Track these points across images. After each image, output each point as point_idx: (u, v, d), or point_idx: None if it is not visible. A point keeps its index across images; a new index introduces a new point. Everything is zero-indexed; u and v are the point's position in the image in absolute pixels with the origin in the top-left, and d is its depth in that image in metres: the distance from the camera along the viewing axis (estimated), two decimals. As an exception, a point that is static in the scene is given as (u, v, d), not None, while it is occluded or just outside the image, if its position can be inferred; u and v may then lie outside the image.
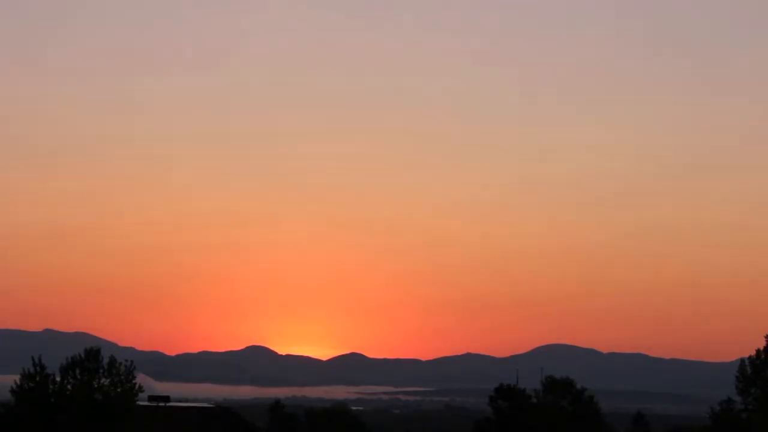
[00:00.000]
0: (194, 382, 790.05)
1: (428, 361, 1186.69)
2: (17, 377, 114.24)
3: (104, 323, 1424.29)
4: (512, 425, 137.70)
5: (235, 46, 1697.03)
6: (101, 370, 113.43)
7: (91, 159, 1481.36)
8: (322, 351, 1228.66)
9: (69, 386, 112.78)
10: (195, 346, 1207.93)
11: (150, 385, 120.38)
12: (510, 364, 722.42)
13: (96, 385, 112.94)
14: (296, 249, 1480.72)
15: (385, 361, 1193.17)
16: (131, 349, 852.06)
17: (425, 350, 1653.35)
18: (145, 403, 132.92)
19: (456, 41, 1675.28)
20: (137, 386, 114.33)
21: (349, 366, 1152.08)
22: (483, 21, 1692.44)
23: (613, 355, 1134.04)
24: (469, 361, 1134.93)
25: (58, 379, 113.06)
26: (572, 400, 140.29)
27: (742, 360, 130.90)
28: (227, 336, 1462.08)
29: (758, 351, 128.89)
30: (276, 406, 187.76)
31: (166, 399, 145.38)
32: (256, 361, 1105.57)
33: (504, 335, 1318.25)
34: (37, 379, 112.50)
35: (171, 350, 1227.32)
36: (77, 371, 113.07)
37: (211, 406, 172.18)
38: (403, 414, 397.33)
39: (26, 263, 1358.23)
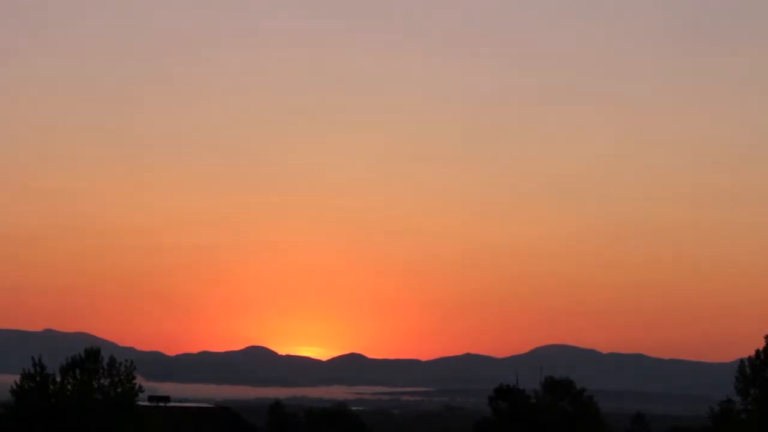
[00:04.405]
0: (194, 382, 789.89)
1: (428, 361, 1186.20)
2: (17, 377, 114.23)
3: (104, 323, 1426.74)
4: (512, 426, 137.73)
5: (234, 45, 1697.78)
6: (101, 370, 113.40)
7: (90, 159, 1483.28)
8: (322, 351, 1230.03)
9: (69, 386, 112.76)
10: (195, 346, 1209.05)
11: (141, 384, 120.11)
12: (510, 364, 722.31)
13: (96, 385, 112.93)
14: (296, 249, 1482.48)
15: (385, 361, 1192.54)
16: (131, 349, 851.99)
17: (425, 350, 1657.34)
18: (145, 403, 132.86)
19: (453, 38, 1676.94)
20: (137, 386, 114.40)
21: (349, 366, 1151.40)
22: (476, 18, 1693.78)
23: (613, 356, 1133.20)
24: (469, 362, 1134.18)
25: (58, 379, 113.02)
26: (572, 401, 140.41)
27: (742, 360, 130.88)
28: (227, 336, 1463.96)
29: (758, 351, 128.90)
30: (276, 406, 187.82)
31: (166, 399, 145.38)
32: (256, 362, 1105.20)
33: (504, 335, 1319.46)
34: (37, 379, 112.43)
35: (171, 350, 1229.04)
36: (77, 371, 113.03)
37: (211, 406, 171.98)
38: (403, 414, 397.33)
39: (26, 263, 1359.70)
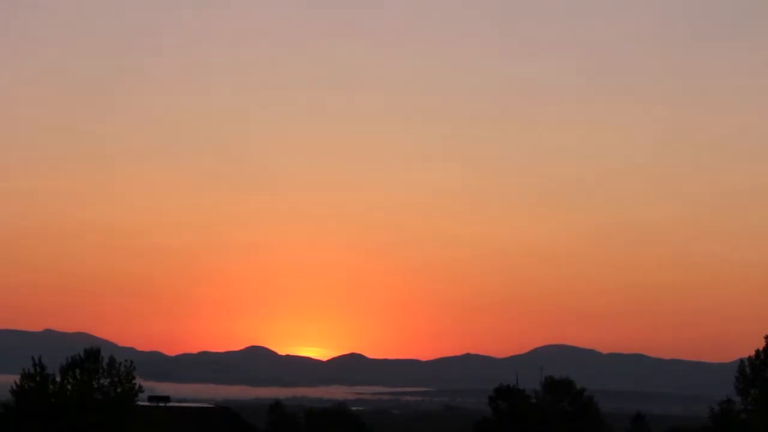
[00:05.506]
0: (194, 382, 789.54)
1: (428, 362, 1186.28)
2: (17, 377, 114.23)
3: (104, 323, 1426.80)
4: (512, 426, 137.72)
5: (232, 45, 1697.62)
6: (101, 370, 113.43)
7: (91, 159, 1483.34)
8: (322, 351, 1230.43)
9: (69, 386, 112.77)
10: (195, 347, 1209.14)
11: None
12: (510, 364, 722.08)
13: (96, 385, 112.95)
14: (296, 249, 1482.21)
15: (385, 361, 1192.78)
16: (131, 349, 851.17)
17: (425, 350, 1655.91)
18: (145, 403, 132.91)
19: (458, 34, 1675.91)
20: (137, 386, 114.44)
21: (349, 366, 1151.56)
22: (489, 12, 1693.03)
23: (613, 356, 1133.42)
24: (468, 362, 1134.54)
25: (58, 379, 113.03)
26: (572, 401, 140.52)
27: (742, 360, 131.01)
28: (227, 336, 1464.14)
29: (758, 352, 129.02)
30: (276, 406, 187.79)
31: (166, 399, 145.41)
32: (256, 362, 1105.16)
33: (504, 335, 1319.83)
34: (37, 379, 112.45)
35: (171, 350, 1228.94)
36: (77, 371, 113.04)
37: (211, 406, 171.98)
38: (403, 414, 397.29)
39: (26, 263, 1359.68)
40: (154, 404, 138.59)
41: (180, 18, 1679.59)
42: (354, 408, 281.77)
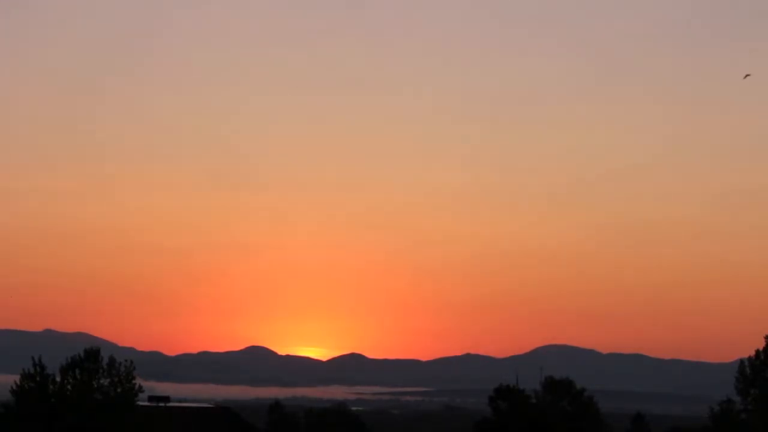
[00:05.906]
0: (194, 382, 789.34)
1: (428, 362, 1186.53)
2: (17, 377, 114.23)
3: (104, 323, 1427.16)
4: (512, 426, 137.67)
5: (232, 45, 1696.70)
6: (101, 370, 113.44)
7: (91, 159, 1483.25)
8: (321, 351, 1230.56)
9: (69, 386, 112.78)
10: (195, 347, 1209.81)
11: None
12: (510, 364, 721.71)
13: (96, 385, 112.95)
14: (296, 249, 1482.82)
15: (385, 361, 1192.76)
16: (131, 349, 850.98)
17: (425, 350, 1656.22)
18: (145, 403, 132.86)
19: (459, 35, 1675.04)
20: (137, 386, 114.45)
21: (349, 366, 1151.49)
22: (492, 11, 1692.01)
23: (612, 356, 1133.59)
24: (468, 362, 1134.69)
25: (58, 379, 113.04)
26: (572, 401, 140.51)
27: (742, 361, 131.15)
28: (227, 336, 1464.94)
29: (758, 352, 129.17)
30: (275, 406, 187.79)
31: (166, 399, 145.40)
32: (256, 362, 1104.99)
33: (504, 335, 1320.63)
34: (37, 379, 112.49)
35: (171, 350, 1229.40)
36: (77, 371, 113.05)
37: (211, 406, 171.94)
38: (403, 414, 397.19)
39: (26, 263, 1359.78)
40: (154, 404, 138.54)
41: (179, 18, 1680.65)
42: (354, 408, 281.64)
